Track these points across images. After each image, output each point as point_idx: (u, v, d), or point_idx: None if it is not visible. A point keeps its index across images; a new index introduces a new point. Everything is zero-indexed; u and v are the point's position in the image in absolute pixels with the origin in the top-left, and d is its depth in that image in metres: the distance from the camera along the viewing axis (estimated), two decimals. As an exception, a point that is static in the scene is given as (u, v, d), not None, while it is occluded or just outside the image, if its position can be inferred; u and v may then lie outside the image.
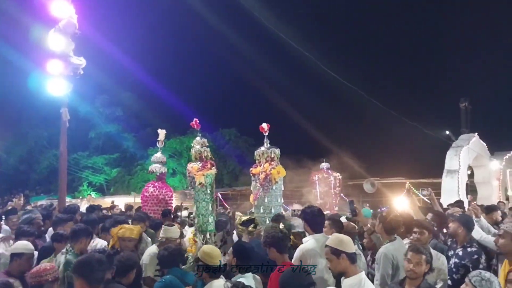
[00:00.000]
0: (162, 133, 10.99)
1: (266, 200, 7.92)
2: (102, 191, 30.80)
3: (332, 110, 33.09)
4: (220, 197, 20.50)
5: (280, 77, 33.69)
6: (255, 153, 8.26)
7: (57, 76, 9.21)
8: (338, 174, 11.83)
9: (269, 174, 7.88)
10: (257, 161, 8.16)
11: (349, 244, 3.69)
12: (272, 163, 7.98)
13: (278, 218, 6.76)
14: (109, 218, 7.34)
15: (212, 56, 38.78)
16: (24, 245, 4.83)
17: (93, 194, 27.94)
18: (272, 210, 7.83)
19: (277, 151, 8.15)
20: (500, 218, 7.33)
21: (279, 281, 3.46)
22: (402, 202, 8.39)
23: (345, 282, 3.66)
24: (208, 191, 6.40)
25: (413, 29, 39.13)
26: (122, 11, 34.73)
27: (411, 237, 5.11)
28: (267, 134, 8.16)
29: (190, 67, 38.91)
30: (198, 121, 7.17)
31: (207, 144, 6.88)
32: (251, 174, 8.16)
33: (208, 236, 6.28)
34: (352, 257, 3.65)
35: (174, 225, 5.99)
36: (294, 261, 4.65)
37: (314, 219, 4.97)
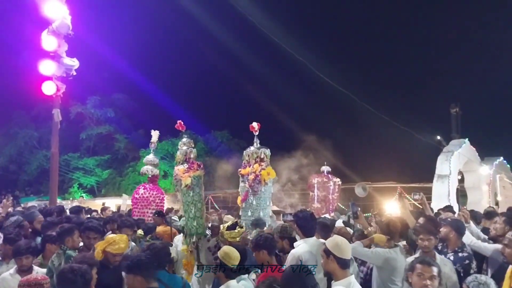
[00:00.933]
0: (155, 134, 10.85)
1: (254, 203, 7.57)
2: (93, 193, 30.62)
3: (324, 114, 33.14)
4: (212, 199, 20.44)
5: (272, 81, 33.81)
6: (244, 153, 7.93)
7: (50, 77, 9.19)
8: (338, 179, 11.78)
9: (258, 175, 7.57)
10: (245, 162, 7.81)
11: (342, 249, 3.70)
12: (262, 164, 7.66)
13: (258, 222, 6.78)
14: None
15: (205, 58, 38.75)
16: None
17: (84, 196, 27.76)
18: (261, 213, 7.54)
19: (267, 151, 7.85)
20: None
21: (281, 280, 3.45)
22: (393, 206, 8.45)
23: (334, 285, 3.69)
24: (196, 193, 6.19)
25: (403, 33, 39.33)
26: (114, 12, 34.61)
27: (418, 244, 5.08)
28: (257, 133, 7.88)
29: (183, 69, 38.82)
30: (182, 123, 7.13)
31: (193, 145, 6.78)
32: (240, 175, 7.84)
33: (193, 239, 6.04)
34: (342, 262, 3.67)
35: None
36: (286, 264, 4.67)
37: (307, 223, 4.97)
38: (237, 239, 5.33)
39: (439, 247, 5.37)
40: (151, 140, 10.83)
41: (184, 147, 6.66)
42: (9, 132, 31.09)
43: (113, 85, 32.61)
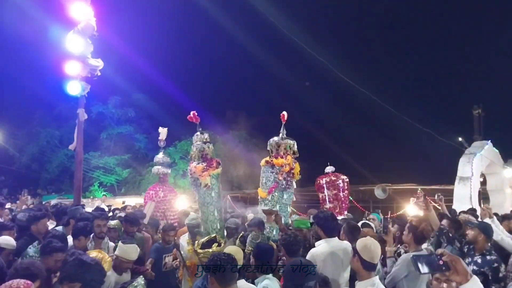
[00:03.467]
0: (163, 132, 10.43)
1: (285, 196, 6.89)
2: (113, 191, 30.97)
3: (345, 115, 33.07)
4: (230, 199, 20.52)
5: (291, 82, 33.76)
6: (269, 143, 7.08)
7: (75, 78, 9.35)
8: (345, 177, 11.60)
9: (293, 168, 6.91)
10: (274, 152, 6.99)
11: (368, 252, 3.64)
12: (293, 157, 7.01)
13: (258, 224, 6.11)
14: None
15: (225, 60, 38.91)
16: (6, 240, 4.84)
17: (106, 195, 28.13)
18: (288, 209, 7.00)
19: (295, 145, 7.16)
20: None
21: (283, 274, 3.47)
22: (414, 209, 8.31)
23: (358, 285, 3.69)
24: (214, 194, 5.77)
25: (427, 35, 39.03)
26: (136, 13, 35.00)
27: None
28: (284, 123, 7.13)
29: (203, 69, 39.11)
30: (196, 114, 6.35)
31: (209, 140, 6.20)
32: (269, 165, 6.90)
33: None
34: (367, 265, 3.63)
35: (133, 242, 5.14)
36: None
37: (327, 224, 4.98)
38: None
39: (465, 250, 5.33)
40: (160, 138, 10.44)
41: (199, 142, 6.09)
42: (31, 131, 31.63)
43: (133, 85, 32.96)
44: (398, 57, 39.16)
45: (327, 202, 10.98)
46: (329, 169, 11.20)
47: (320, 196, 11.08)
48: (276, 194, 6.80)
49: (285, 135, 7.07)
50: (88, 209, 10.09)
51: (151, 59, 32.81)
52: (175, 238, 6.56)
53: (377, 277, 3.77)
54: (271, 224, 5.97)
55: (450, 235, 5.48)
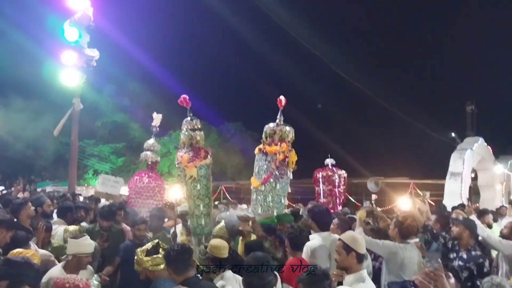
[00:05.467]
0: (157, 117, 9.89)
1: (278, 187, 6.46)
2: (107, 180, 30.92)
3: (339, 109, 33.12)
4: (224, 190, 20.61)
5: (289, 75, 33.77)
6: (265, 129, 6.71)
7: (71, 67, 9.38)
8: (344, 172, 11.52)
9: (287, 156, 6.50)
10: (268, 139, 6.64)
11: (361, 244, 3.83)
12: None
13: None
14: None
15: (221, 49, 38.84)
16: None
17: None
18: (282, 201, 6.64)
19: (293, 132, 6.75)
20: (492, 222, 7.59)
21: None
22: (405, 203, 8.42)
23: (347, 278, 3.80)
24: (203, 186, 5.29)
25: (419, 30, 39.08)
26: (132, 2, 34.77)
27: None
28: (282, 109, 6.74)
29: (199, 59, 38.99)
30: (187, 98, 5.84)
31: (200, 127, 5.70)
32: (262, 153, 6.60)
33: (203, 241, 5.23)
34: (360, 257, 3.79)
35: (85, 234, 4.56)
36: (303, 257, 4.80)
37: (322, 218, 5.15)
38: (161, 266, 3.90)
39: (449, 245, 5.47)
40: (153, 124, 9.87)
41: (188, 130, 5.60)
42: (26, 118, 31.51)
43: (129, 74, 32.86)
44: (392, 52, 39.22)
45: (321, 197, 11.04)
46: (329, 161, 11.13)
47: (316, 190, 11.10)
48: (270, 184, 6.44)
49: (282, 122, 6.71)
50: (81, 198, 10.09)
51: (146, 49, 32.69)
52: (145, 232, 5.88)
53: (365, 270, 3.90)
54: None
55: (434, 231, 5.63)
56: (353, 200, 17.52)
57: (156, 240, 4.23)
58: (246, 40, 32.18)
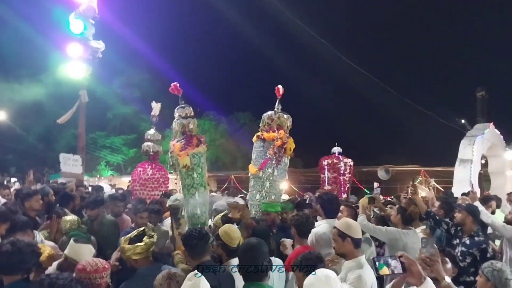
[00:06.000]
0: (156, 107, 9.69)
1: (276, 173, 6.44)
2: (119, 171, 31.29)
3: (347, 97, 32.99)
4: (234, 180, 20.72)
5: (295, 63, 33.65)
6: (263, 117, 6.74)
7: (77, 59, 9.45)
8: (350, 160, 11.46)
9: (285, 143, 6.50)
10: (266, 126, 6.66)
11: (356, 230, 3.82)
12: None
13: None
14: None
15: (228, 40, 38.78)
16: None
17: (113, 174, 28.49)
18: (280, 187, 6.61)
19: (290, 120, 6.77)
20: (495, 208, 7.59)
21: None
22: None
23: (345, 264, 3.81)
24: (198, 175, 5.09)
25: (429, 15, 38.55)
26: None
27: None
28: (280, 98, 6.73)
29: (207, 50, 39.00)
30: (178, 85, 5.64)
31: (193, 114, 5.49)
32: (260, 139, 6.59)
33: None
34: (356, 242, 3.78)
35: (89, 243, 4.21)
36: (308, 243, 4.82)
37: (330, 206, 5.19)
38: (143, 255, 3.83)
39: (452, 231, 5.47)
40: (152, 113, 9.69)
41: (180, 117, 5.41)
42: (38, 110, 31.86)
43: (138, 66, 32.99)
44: (401, 39, 38.79)
45: (326, 184, 11.02)
46: (336, 149, 11.09)
47: (321, 177, 11.09)
48: (267, 170, 6.42)
49: (279, 110, 6.72)
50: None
51: (154, 41, 32.88)
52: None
53: (364, 256, 3.91)
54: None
55: (437, 217, 5.63)
56: (366, 190, 17.50)
57: (142, 228, 4.11)
58: (255, 30, 32.09)
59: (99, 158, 31.19)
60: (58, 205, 6.57)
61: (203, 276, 2.73)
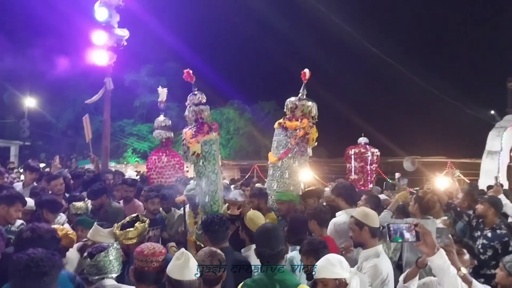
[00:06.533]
0: (163, 92, 9.44)
1: (297, 164, 6.20)
2: (146, 158, 31.70)
3: (373, 87, 32.52)
4: (258, 169, 20.74)
5: (321, 52, 33.27)
6: (286, 102, 6.48)
7: (102, 47, 9.58)
8: (377, 150, 11.41)
9: (308, 133, 6.21)
10: (289, 114, 6.39)
11: (374, 219, 3.82)
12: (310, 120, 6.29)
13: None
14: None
15: (254, 29, 38.57)
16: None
17: (138, 161, 28.92)
18: (299, 178, 6.36)
19: (316, 107, 6.42)
20: None
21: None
22: (443, 182, 8.22)
23: (362, 253, 3.82)
24: (208, 163, 4.93)
25: (456, 4, 37.41)
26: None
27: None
28: (305, 82, 6.39)
29: (232, 39, 38.89)
30: (191, 72, 5.55)
31: (205, 101, 5.37)
32: (282, 127, 6.33)
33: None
34: (374, 231, 3.78)
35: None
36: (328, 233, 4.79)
37: (348, 194, 5.16)
38: (134, 240, 3.83)
39: (473, 223, 5.38)
40: (159, 99, 9.46)
41: (192, 104, 5.29)
42: (68, 97, 32.47)
43: (165, 55, 33.21)
44: (428, 29, 37.92)
45: (352, 174, 10.99)
46: (362, 139, 11.05)
47: (347, 167, 11.07)
48: (287, 160, 6.20)
49: (304, 96, 6.40)
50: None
51: (181, 29, 32.90)
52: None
53: (381, 246, 3.89)
54: None
55: (458, 209, 5.55)
56: (390, 180, 17.30)
57: (136, 214, 4.12)
58: (281, 18, 31.87)
59: (126, 145, 31.64)
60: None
61: (190, 254, 2.75)
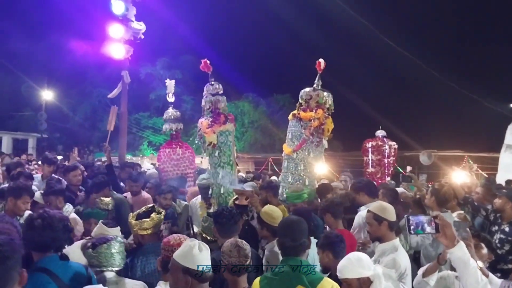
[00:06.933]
0: (170, 84, 9.36)
1: (312, 155, 6.08)
2: (160, 151, 31.90)
3: (389, 81, 32.22)
4: (272, 162, 20.76)
5: (337, 46, 33.04)
6: (301, 93, 6.34)
7: (118, 40, 9.65)
8: (394, 143, 11.38)
9: (323, 124, 6.07)
10: (303, 104, 6.27)
11: (391, 213, 3.82)
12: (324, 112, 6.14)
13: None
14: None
15: (268, 22, 38.41)
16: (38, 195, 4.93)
17: (154, 153, 29.13)
18: (314, 170, 6.21)
19: (331, 98, 6.27)
20: None
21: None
22: (460, 176, 8.16)
23: (379, 247, 3.82)
24: (223, 154, 4.93)
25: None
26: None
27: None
28: (320, 72, 6.27)
29: (246, 32, 38.81)
30: (208, 62, 5.62)
31: (222, 92, 5.38)
32: (296, 118, 6.21)
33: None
34: (392, 225, 3.79)
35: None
36: (354, 227, 4.85)
37: (369, 188, 5.19)
38: (149, 231, 3.83)
39: (491, 218, 5.33)
40: (167, 91, 9.35)
41: (209, 95, 5.27)
42: (84, 90, 32.78)
43: (180, 48, 33.29)
44: (446, 23, 37.30)
45: (370, 167, 10.96)
46: (380, 132, 11.00)
47: (364, 160, 11.04)
48: (302, 152, 6.10)
49: (319, 86, 6.25)
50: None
51: (197, 23, 32.95)
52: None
53: (398, 239, 3.88)
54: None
55: (475, 204, 5.49)
56: (404, 173, 17.18)
57: (151, 205, 4.12)
58: (296, 11, 31.68)
59: (142, 138, 31.86)
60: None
61: (199, 244, 2.76)
